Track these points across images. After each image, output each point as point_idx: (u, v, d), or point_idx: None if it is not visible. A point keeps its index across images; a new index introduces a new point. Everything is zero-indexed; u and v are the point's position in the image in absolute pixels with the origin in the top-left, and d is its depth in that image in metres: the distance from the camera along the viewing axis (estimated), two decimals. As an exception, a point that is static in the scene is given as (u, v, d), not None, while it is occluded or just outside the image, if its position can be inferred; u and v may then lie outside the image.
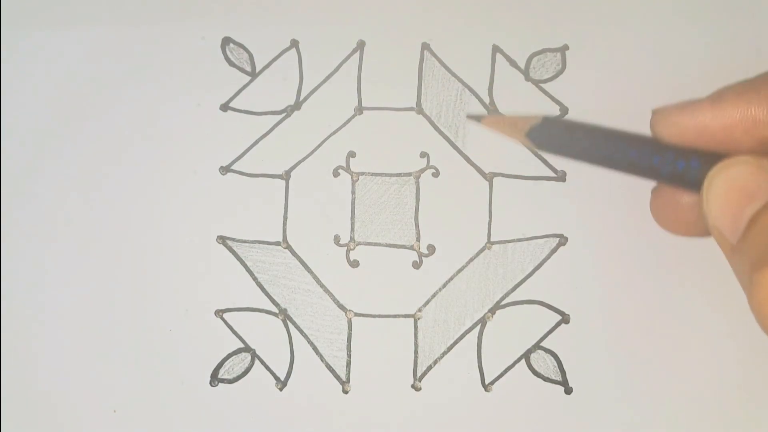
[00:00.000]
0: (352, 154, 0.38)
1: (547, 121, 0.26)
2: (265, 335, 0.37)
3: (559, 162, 0.37)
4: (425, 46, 0.38)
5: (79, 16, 0.39)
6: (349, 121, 0.38)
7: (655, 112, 0.23)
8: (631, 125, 0.38)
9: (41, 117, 0.38)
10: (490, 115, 0.29)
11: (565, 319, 0.36)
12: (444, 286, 0.37)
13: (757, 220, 0.19)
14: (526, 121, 0.27)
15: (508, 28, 0.38)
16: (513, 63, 0.38)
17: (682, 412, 0.35)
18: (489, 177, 0.37)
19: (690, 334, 0.36)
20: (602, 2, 0.38)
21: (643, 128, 0.40)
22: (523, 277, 0.37)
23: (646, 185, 0.26)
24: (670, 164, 0.23)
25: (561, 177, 0.37)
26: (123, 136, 0.38)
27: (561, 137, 0.25)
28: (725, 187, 0.20)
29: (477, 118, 0.30)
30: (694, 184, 0.22)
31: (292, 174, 0.38)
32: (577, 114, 0.37)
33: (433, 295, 0.37)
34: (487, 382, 0.36)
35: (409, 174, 0.37)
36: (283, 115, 0.38)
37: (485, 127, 0.28)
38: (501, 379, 0.36)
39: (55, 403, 0.37)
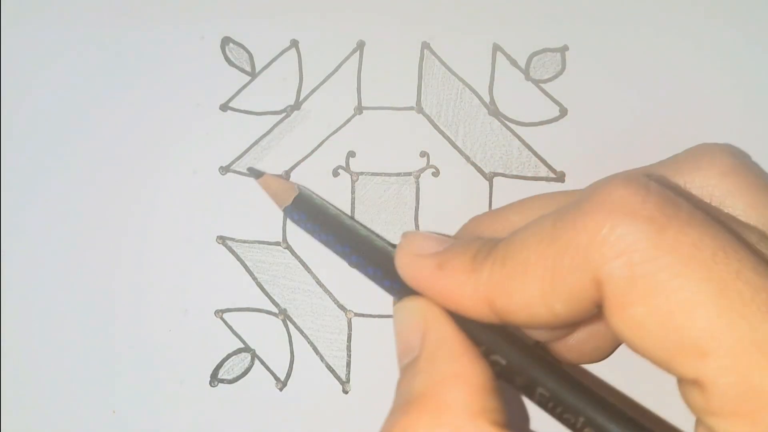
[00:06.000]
0: (351, 154, 0.38)
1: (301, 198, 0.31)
2: (265, 335, 0.37)
3: (559, 162, 0.37)
4: (425, 46, 0.38)
5: (79, 15, 0.39)
6: (348, 121, 0.38)
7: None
8: (630, 125, 0.38)
9: (41, 116, 0.38)
10: None
11: (565, 319, 0.36)
12: (444, 286, 0.37)
13: None
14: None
15: (508, 28, 0.38)
16: (513, 62, 0.38)
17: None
18: (489, 177, 0.37)
19: (690, 334, 0.35)
20: (602, 2, 0.37)
21: (643, 129, 0.40)
22: (523, 277, 0.36)
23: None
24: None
25: (561, 177, 0.37)
26: (122, 136, 0.38)
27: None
28: None
29: None
30: None
31: (292, 174, 0.38)
32: (577, 114, 0.37)
33: (433, 295, 0.37)
34: (487, 382, 0.36)
35: (409, 174, 0.37)
36: (283, 115, 0.38)
37: None
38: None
39: (55, 403, 0.37)
